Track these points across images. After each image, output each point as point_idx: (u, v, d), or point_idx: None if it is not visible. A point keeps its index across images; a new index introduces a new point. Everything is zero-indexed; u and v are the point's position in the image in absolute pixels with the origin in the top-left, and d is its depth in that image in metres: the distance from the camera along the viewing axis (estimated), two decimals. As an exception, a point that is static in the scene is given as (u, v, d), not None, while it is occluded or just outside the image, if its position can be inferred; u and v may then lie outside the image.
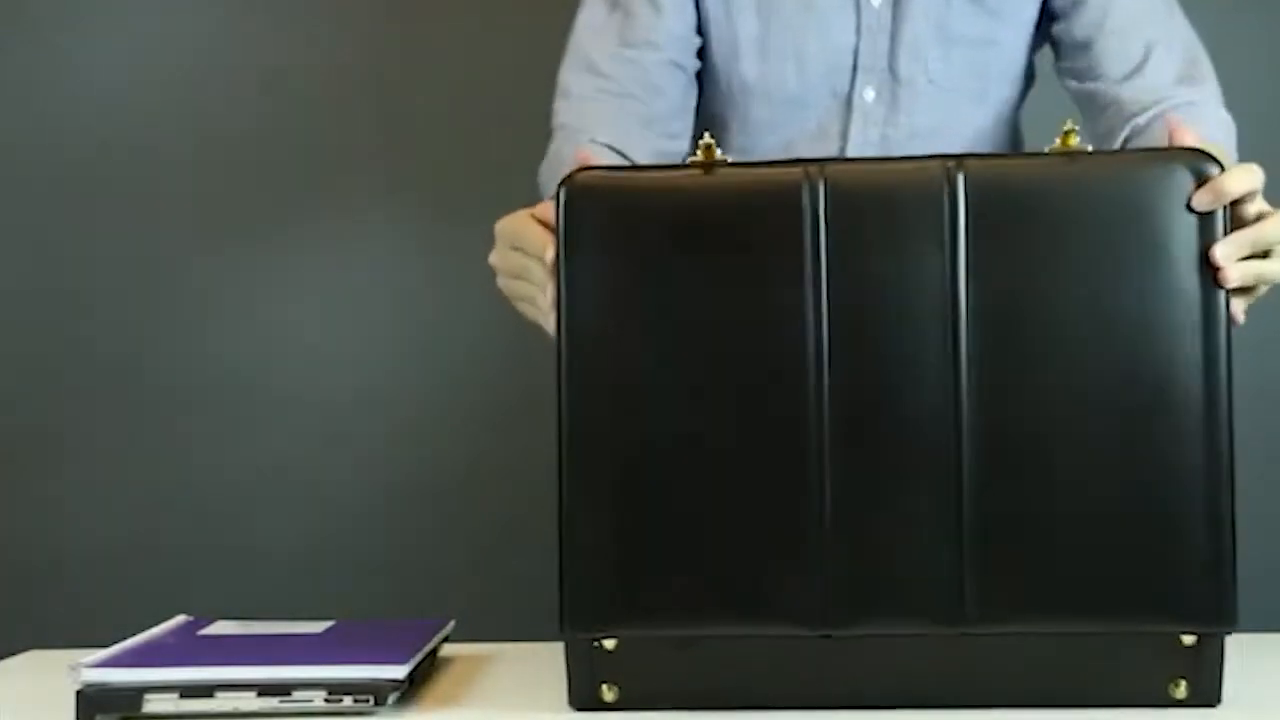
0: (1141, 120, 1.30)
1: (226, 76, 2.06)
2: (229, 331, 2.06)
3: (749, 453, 0.97)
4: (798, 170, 0.97)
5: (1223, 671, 0.97)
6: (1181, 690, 0.96)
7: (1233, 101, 1.37)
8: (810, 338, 0.97)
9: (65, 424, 2.07)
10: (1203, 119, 1.24)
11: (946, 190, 0.96)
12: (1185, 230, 0.96)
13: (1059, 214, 0.96)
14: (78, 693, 1.00)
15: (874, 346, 0.97)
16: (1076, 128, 0.99)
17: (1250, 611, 0.99)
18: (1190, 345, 0.95)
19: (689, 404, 0.97)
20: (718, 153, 1.00)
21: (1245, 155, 1.17)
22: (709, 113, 1.47)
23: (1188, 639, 0.96)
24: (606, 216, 0.98)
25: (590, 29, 1.45)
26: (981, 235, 0.96)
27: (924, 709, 0.97)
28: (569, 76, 1.44)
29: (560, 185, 0.99)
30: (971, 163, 0.97)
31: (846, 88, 1.40)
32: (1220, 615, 0.95)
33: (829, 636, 0.96)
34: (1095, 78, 1.37)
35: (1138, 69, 1.35)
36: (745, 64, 1.43)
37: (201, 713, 0.99)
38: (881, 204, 0.97)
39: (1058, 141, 0.99)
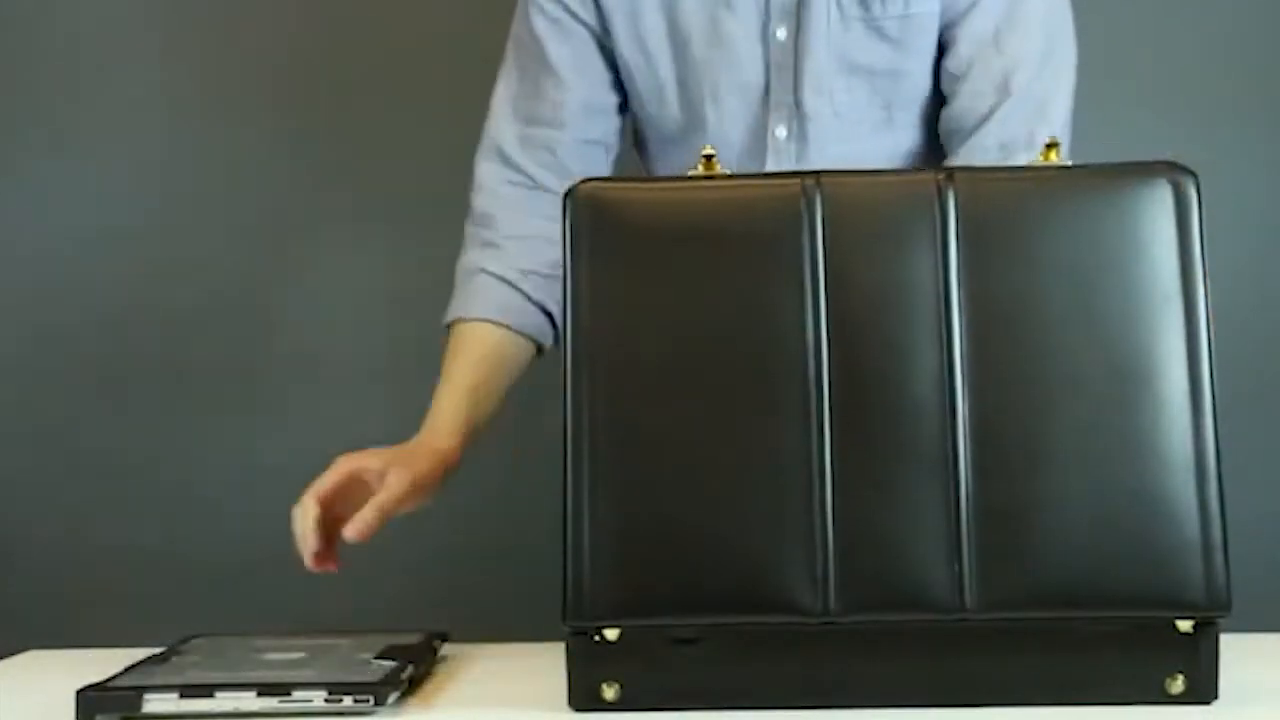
0: None
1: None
2: (227, 332, 2.06)
3: (750, 445, 0.98)
4: (795, 182, 1.01)
5: (1219, 666, 0.97)
6: (1179, 685, 0.97)
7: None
8: (809, 336, 0.99)
9: (65, 424, 2.08)
10: None
11: (938, 200, 1.00)
12: (1165, 234, 0.99)
13: (1046, 221, 0.99)
14: (78, 693, 1.00)
15: (871, 345, 0.99)
16: (1058, 142, 1.03)
17: (1250, 612, 1.00)
18: (1174, 341, 0.98)
19: (691, 401, 0.98)
20: (718, 165, 1.04)
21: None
22: (646, 153, 1.48)
23: (1184, 625, 0.97)
24: (610, 225, 1.01)
25: (500, 107, 1.44)
26: (972, 241, 0.99)
27: (925, 705, 0.98)
28: (481, 166, 1.44)
29: (565, 196, 1.02)
30: (961, 175, 1.01)
31: (761, 126, 1.38)
32: (1213, 600, 0.96)
33: (830, 624, 0.97)
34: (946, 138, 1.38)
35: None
36: (670, 108, 1.42)
37: (201, 713, 0.99)
38: (876, 213, 1.00)
39: (1039, 156, 1.03)
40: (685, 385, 0.99)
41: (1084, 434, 0.97)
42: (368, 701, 0.98)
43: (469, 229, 1.44)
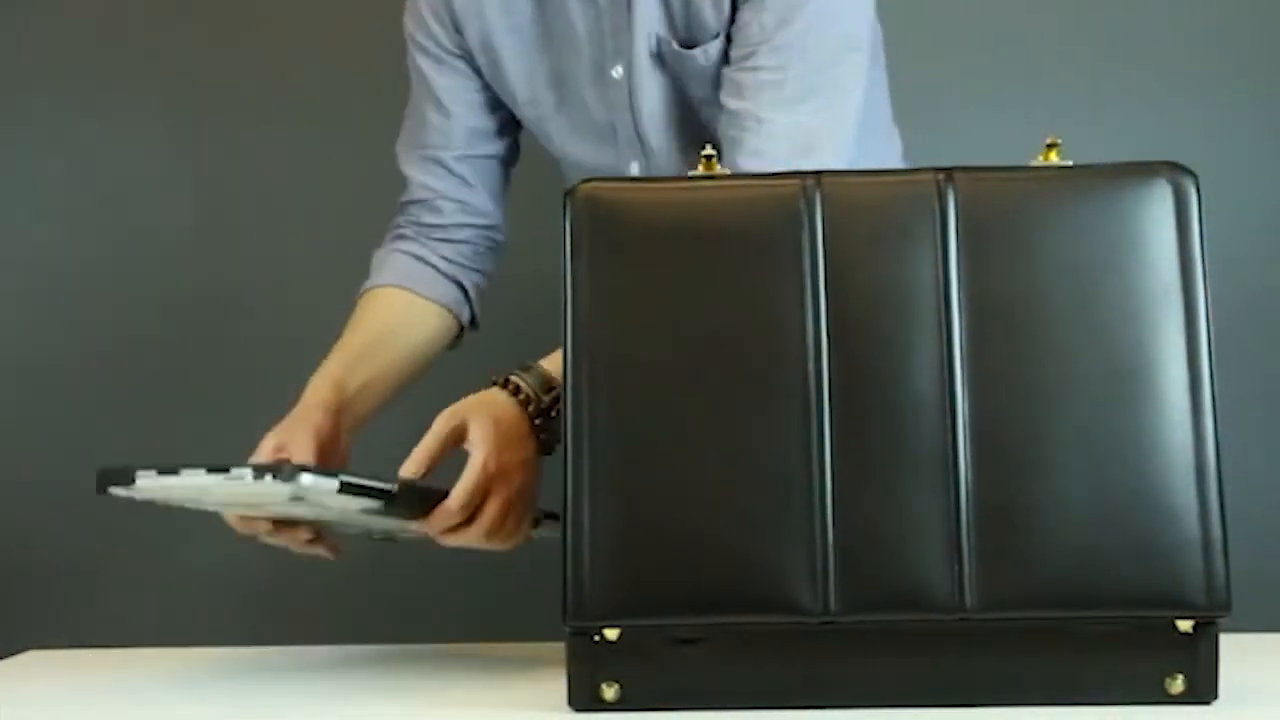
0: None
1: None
2: (227, 332, 2.07)
3: (750, 445, 0.98)
4: (795, 182, 1.01)
5: (1219, 666, 0.97)
6: (1179, 685, 0.97)
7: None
8: (810, 335, 0.99)
9: (65, 424, 2.08)
10: None
11: (938, 200, 1.00)
12: (1165, 233, 1.00)
13: (1046, 221, 1.00)
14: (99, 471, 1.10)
15: (871, 345, 0.99)
16: (1059, 142, 1.03)
17: (1250, 612, 1.00)
18: (1174, 340, 0.98)
19: (691, 399, 0.98)
20: (717, 166, 1.04)
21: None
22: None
23: (1184, 625, 0.96)
24: (610, 225, 1.01)
25: (403, 132, 1.52)
26: (972, 240, 0.99)
27: (925, 705, 0.98)
28: (404, 172, 1.51)
29: (565, 195, 1.02)
30: (961, 175, 1.01)
31: (614, 164, 1.42)
32: (1213, 600, 0.96)
33: (830, 624, 0.97)
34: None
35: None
36: (543, 140, 1.48)
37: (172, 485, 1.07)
38: (876, 213, 1.00)
39: (1040, 156, 1.03)
40: (685, 385, 0.99)
41: (1084, 433, 0.97)
42: (280, 474, 1.03)
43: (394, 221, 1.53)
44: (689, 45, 1.35)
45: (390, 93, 1.54)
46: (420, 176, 1.49)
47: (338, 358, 1.39)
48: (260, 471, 1.04)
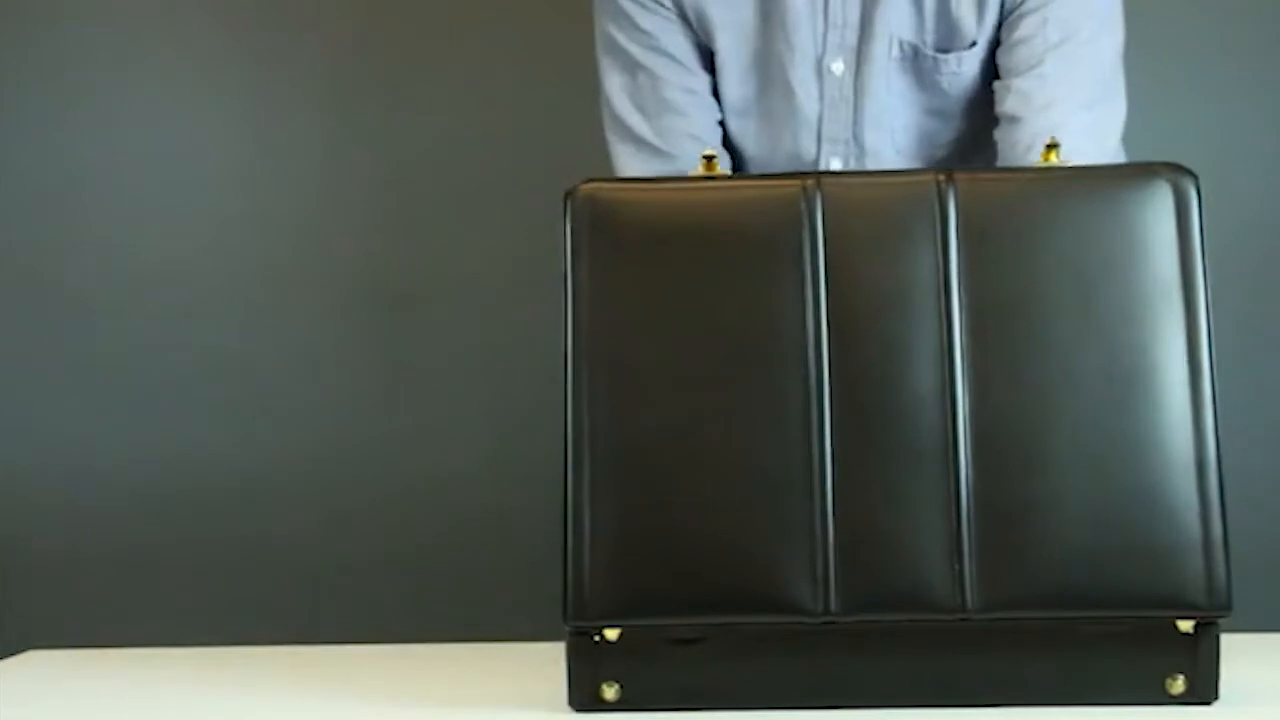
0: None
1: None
2: (226, 331, 2.07)
3: (751, 445, 0.98)
4: (795, 182, 1.02)
5: (1219, 666, 0.97)
6: (1179, 685, 0.97)
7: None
8: (810, 336, 0.99)
9: (64, 424, 2.08)
10: None
11: (938, 200, 1.00)
12: (1165, 234, 1.00)
13: (1047, 221, 1.00)
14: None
15: (871, 345, 0.99)
16: (1060, 142, 1.04)
17: (1250, 612, 1.00)
18: (1174, 340, 0.98)
19: (691, 399, 0.99)
20: (718, 166, 1.05)
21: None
22: None
23: (1184, 625, 0.97)
24: (610, 225, 1.01)
25: (622, 104, 1.46)
26: (972, 241, 1.00)
27: (925, 705, 0.98)
28: (623, 156, 1.45)
29: (566, 195, 1.02)
30: (961, 175, 1.02)
31: (813, 157, 1.41)
32: (1214, 600, 0.96)
33: (831, 624, 0.97)
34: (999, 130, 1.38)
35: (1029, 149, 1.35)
36: (730, 121, 1.44)
37: None
38: (876, 213, 1.01)
39: (1039, 158, 1.04)
40: (685, 385, 0.99)
41: (1084, 433, 0.97)
42: None
43: None
44: (943, 50, 1.38)
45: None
46: (669, 147, 1.42)
47: None
48: None
